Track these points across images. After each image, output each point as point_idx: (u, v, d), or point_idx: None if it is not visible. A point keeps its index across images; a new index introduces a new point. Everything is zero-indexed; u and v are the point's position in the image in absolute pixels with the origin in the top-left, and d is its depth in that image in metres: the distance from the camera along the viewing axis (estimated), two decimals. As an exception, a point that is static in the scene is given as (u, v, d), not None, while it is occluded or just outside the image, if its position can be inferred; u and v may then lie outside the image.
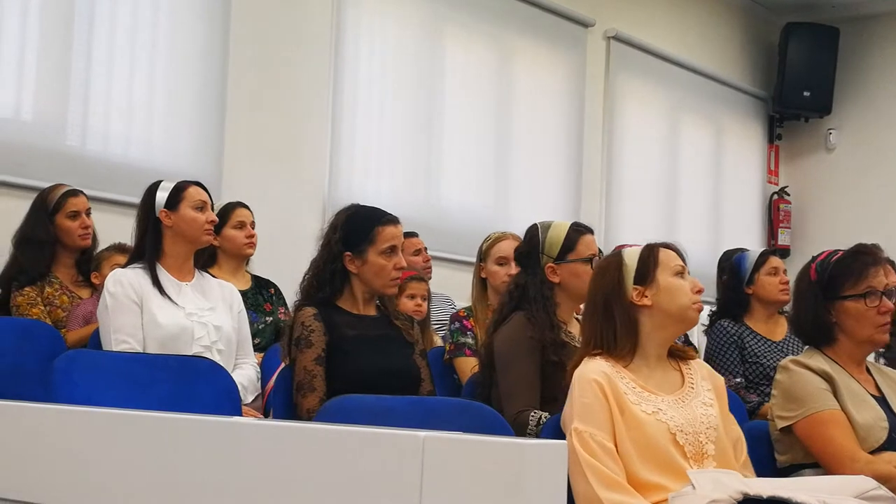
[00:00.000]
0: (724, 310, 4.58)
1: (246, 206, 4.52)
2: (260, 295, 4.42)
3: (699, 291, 2.74)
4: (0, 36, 4.69)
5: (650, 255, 2.74)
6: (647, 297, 2.69)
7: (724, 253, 5.06)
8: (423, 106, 6.54)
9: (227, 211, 4.40)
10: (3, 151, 4.67)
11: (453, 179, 6.67)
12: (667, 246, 2.78)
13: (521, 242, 3.60)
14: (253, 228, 4.47)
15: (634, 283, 2.70)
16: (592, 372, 2.59)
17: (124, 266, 3.61)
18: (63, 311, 4.05)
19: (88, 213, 4.23)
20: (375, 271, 3.28)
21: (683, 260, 2.78)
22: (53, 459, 2.17)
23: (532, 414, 3.07)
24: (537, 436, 2.90)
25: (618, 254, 2.79)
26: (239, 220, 4.42)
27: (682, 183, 8.32)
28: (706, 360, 4.22)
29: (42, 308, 4.03)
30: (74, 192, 4.23)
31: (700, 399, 2.67)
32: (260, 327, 4.25)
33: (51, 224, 4.13)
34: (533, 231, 3.50)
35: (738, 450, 2.69)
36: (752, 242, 8.19)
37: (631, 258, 2.74)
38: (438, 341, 4.67)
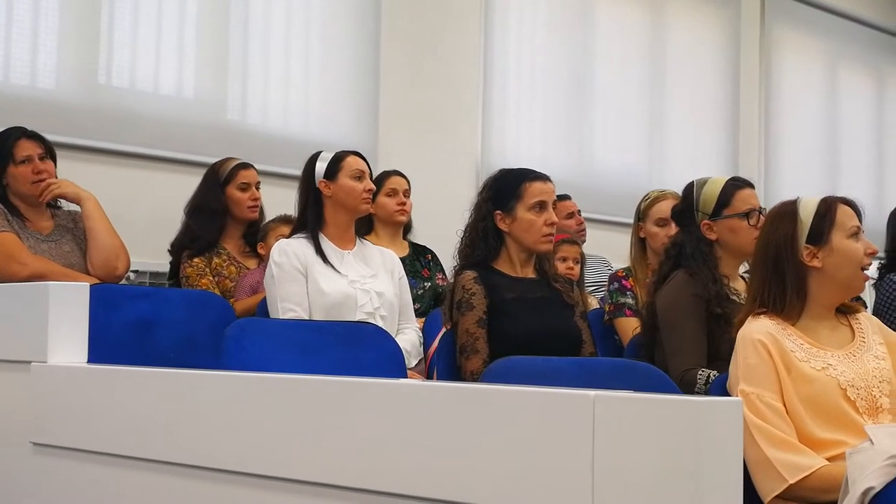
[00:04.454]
0: (894, 264, 4.44)
1: (401, 175, 4.56)
2: (417, 261, 4.46)
3: (872, 253, 2.61)
4: (160, 17, 4.83)
5: (827, 212, 2.60)
6: (818, 258, 2.58)
7: None
8: (575, 68, 6.48)
9: (381, 179, 4.46)
10: (167, 129, 4.82)
11: (607, 140, 6.61)
12: (845, 202, 2.64)
13: (678, 201, 3.54)
14: (406, 196, 4.51)
15: (807, 242, 2.58)
16: (756, 332, 2.51)
17: (288, 236, 3.68)
18: (231, 282, 4.12)
19: (258, 187, 4.30)
20: (525, 227, 3.27)
21: (860, 218, 2.64)
22: (228, 425, 2.23)
23: (700, 372, 3.02)
24: (706, 394, 2.84)
25: (793, 204, 2.66)
26: (391, 187, 4.47)
27: (844, 135, 8.07)
28: (875, 314, 4.09)
29: (211, 279, 4.10)
30: (245, 165, 4.30)
31: (872, 353, 2.58)
32: (419, 293, 4.28)
33: (222, 194, 4.22)
34: (689, 189, 3.44)
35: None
36: (918, 194, 7.92)
37: (807, 212, 2.61)
38: (594, 303, 4.64)
